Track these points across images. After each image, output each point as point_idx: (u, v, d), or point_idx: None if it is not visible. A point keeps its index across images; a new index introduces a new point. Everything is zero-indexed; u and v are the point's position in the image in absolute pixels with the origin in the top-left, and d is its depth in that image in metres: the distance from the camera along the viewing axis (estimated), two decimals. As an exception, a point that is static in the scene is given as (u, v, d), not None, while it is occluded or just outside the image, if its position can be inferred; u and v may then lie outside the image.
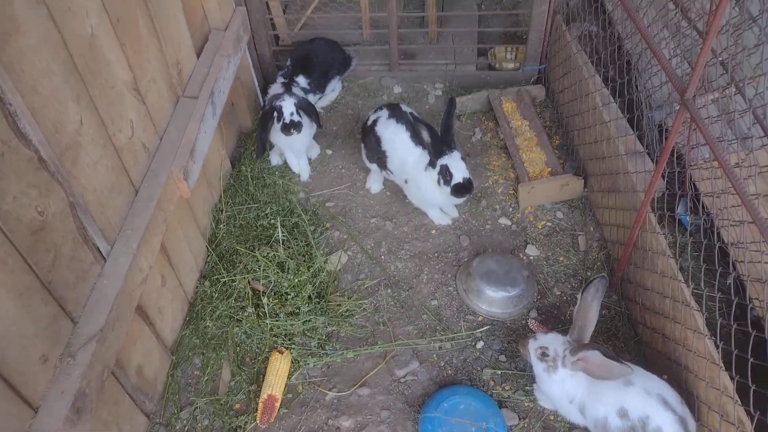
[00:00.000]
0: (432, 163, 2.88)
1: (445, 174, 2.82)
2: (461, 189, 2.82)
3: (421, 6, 4.22)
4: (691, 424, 2.09)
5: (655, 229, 2.49)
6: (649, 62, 3.25)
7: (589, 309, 2.26)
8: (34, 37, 1.69)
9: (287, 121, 3.10)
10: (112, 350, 1.95)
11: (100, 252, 2.03)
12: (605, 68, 3.42)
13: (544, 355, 2.27)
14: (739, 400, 1.93)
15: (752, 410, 1.84)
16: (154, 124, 2.45)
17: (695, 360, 2.17)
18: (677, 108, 2.23)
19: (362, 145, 3.31)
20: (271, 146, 3.50)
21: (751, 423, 1.86)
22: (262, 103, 3.72)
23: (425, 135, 2.86)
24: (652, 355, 2.57)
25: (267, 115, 3.16)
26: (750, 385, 1.86)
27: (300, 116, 3.14)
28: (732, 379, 1.97)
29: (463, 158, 2.85)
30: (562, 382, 2.25)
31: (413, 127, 2.97)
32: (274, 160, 3.51)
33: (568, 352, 2.21)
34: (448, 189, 2.83)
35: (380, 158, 3.15)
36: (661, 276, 2.43)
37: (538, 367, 2.32)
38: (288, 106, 3.11)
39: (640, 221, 2.54)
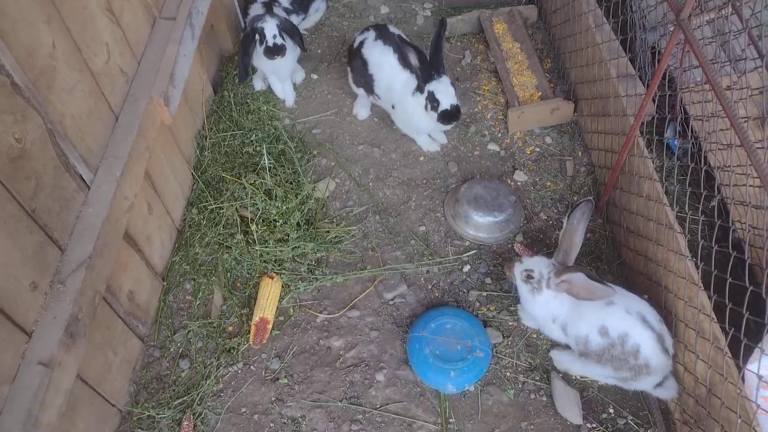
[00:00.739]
0: (420, 88, 2.82)
1: (433, 100, 2.76)
2: (448, 116, 2.77)
3: None
4: (668, 340, 2.18)
5: (643, 153, 2.49)
6: (645, -20, 3.13)
7: (575, 232, 2.29)
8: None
9: (270, 44, 2.98)
10: (102, 276, 1.96)
11: (84, 180, 2.00)
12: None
13: (529, 278, 2.32)
14: (715, 317, 2.01)
15: (727, 327, 1.91)
16: (131, 47, 2.35)
17: (675, 280, 2.23)
18: (671, 29, 2.17)
19: (348, 68, 3.22)
20: (254, 70, 3.40)
21: (726, 339, 1.94)
22: (243, 25, 3.57)
23: (413, 58, 2.78)
24: (634, 277, 2.64)
25: (248, 38, 3.03)
26: (727, 303, 1.93)
27: (283, 39, 3.02)
28: (710, 298, 2.03)
29: (452, 83, 2.78)
30: (547, 303, 2.32)
31: (401, 49, 2.87)
32: (258, 84, 3.41)
33: (552, 274, 2.27)
34: (435, 115, 2.78)
35: (367, 82, 3.07)
36: (646, 199, 2.46)
37: (523, 289, 2.38)
38: (270, 28, 2.98)
39: (629, 145, 2.53)
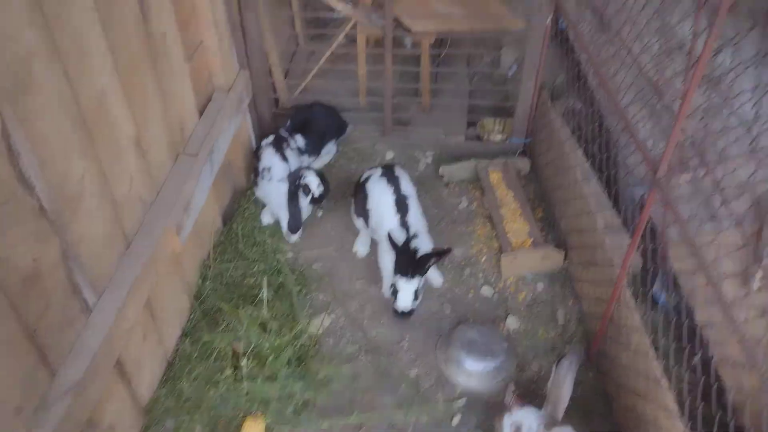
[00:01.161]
0: (396, 247, 2.91)
1: (395, 289, 2.90)
2: (397, 313, 2.92)
3: (415, 78, 4.43)
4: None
5: (629, 305, 2.56)
6: (628, 140, 3.42)
7: (562, 384, 2.30)
8: (49, 94, 1.79)
9: (316, 195, 3.32)
10: (88, 405, 1.95)
11: (86, 303, 2.06)
12: (587, 143, 3.59)
13: (518, 431, 2.29)
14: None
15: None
16: (153, 179, 2.53)
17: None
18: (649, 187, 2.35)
19: (352, 200, 3.42)
20: (263, 205, 3.59)
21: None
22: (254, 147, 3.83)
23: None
24: (626, 434, 2.59)
25: (295, 192, 3.31)
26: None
27: (323, 185, 3.33)
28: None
29: (417, 289, 2.88)
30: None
31: (400, 194, 3.09)
32: (266, 219, 3.59)
33: (542, 428, 2.24)
34: (393, 299, 2.92)
35: (365, 215, 3.25)
36: (634, 353, 2.49)
37: (513, 442, 2.33)
38: (313, 180, 3.30)
39: (616, 295, 2.61)
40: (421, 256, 2.85)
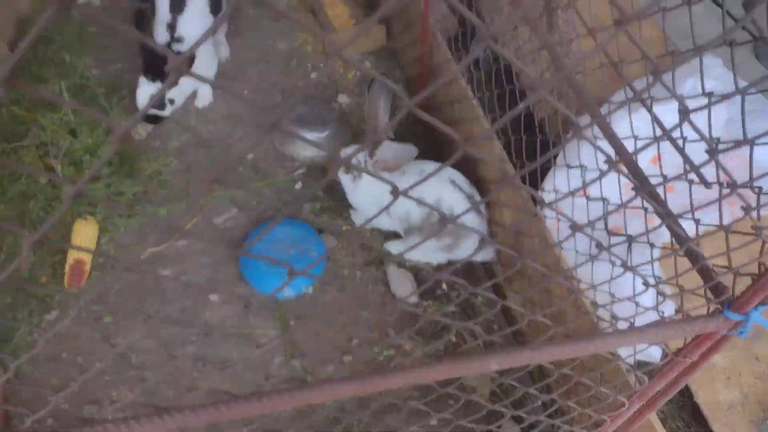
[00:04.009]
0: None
1: None
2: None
3: None
4: (479, 200, 2.29)
5: (440, 46, 2.62)
6: None
7: (377, 105, 2.33)
8: None
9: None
10: None
11: None
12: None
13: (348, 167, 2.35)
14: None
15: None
16: None
17: (475, 142, 2.36)
18: None
19: None
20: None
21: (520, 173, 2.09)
22: None
23: None
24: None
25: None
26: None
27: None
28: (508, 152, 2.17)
29: (162, 96, 2.66)
30: (367, 188, 2.36)
31: None
32: None
33: (367, 156, 2.31)
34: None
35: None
36: (448, 85, 2.59)
37: (346, 180, 2.40)
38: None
39: (427, 37, 2.66)
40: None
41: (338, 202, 2.70)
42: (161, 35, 2.69)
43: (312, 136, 2.84)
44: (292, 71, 3.27)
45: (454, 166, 2.41)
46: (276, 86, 3.19)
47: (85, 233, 2.43)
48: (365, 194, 2.39)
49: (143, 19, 2.78)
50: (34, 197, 2.52)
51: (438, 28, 2.82)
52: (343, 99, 3.14)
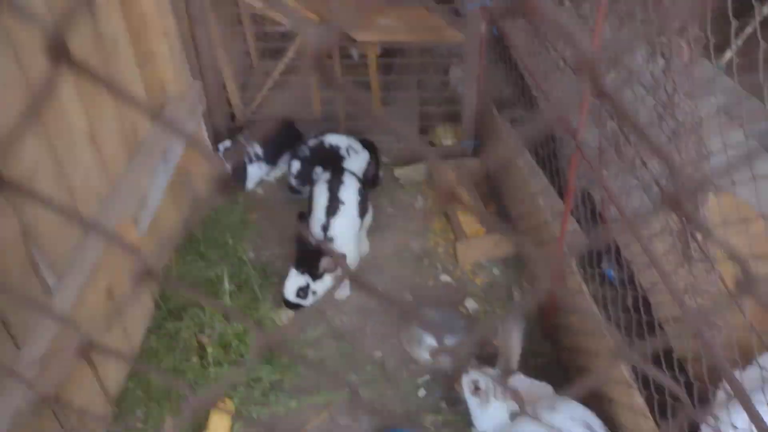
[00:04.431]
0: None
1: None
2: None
3: (367, 87, 4.59)
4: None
5: (572, 269, 2.71)
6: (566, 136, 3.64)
7: (511, 335, 2.39)
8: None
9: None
10: (52, 380, 1.96)
11: (46, 282, 2.09)
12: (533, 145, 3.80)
13: (476, 389, 2.38)
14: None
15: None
16: (107, 173, 2.59)
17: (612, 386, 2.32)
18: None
19: None
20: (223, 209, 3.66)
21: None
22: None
23: None
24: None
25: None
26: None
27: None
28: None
29: (306, 289, 2.98)
30: (495, 416, 2.35)
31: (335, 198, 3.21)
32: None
33: (498, 379, 2.33)
34: None
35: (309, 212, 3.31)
36: (581, 316, 2.63)
37: (473, 403, 2.41)
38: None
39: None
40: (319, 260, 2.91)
41: (461, 417, 2.69)
42: (317, 234, 3.03)
43: (438, 342, 2.92)
44: (423, 270, 3.48)
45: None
46: (406, 285, 3.39)
47: (220, 417, 2.58)
48: (491, 420, 2.37)
49: (304, 219, 3.17)
50: (183, 374, 2.74)
51: (570, 250, 2.93)
52: (470, 304, 3.25)
